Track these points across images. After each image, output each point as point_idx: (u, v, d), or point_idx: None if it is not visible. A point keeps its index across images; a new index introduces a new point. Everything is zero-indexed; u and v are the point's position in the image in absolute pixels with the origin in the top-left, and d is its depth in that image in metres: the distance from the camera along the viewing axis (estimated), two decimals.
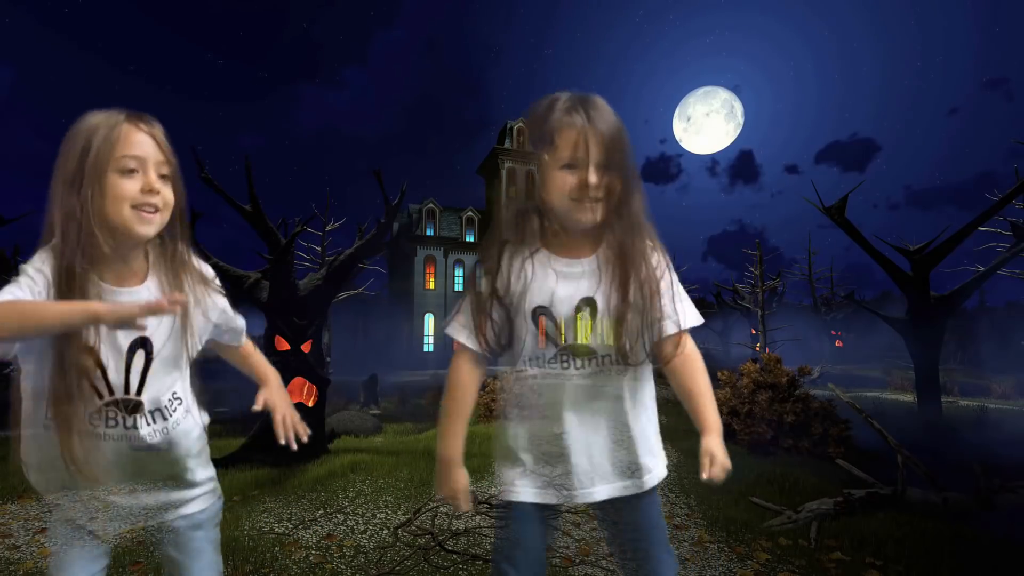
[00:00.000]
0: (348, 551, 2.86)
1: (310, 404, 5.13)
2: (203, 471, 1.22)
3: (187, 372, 1.16)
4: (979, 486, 3.42)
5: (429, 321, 32.75)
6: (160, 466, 1.12)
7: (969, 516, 3.39)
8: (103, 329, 0.98)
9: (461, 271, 33.86)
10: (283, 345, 5.12)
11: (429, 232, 33.25)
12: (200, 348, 1.17)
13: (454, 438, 1.20)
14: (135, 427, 1.05)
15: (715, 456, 1.07)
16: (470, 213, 34.59)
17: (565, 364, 1.10)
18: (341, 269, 5.52)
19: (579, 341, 1.09)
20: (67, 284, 0.94)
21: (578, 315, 1.08)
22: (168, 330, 1.07)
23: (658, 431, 1.25)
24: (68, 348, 0.93)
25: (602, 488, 1.16)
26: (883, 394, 11.51)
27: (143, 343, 1.03)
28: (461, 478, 1.19)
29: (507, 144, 34.12)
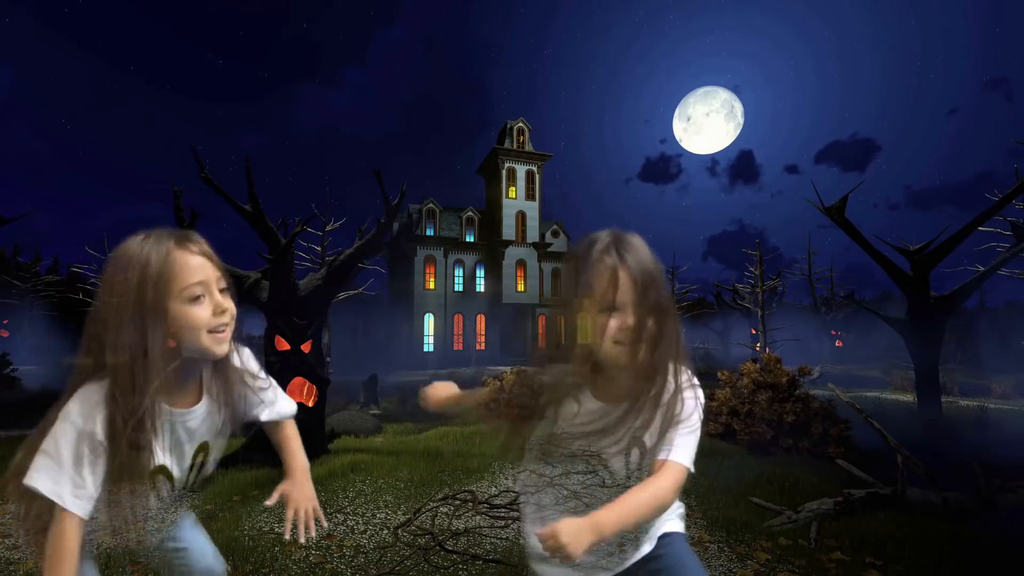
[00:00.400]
0: (348, 551, 2.86)
1: (310, 404, 5.13)
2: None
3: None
4: (979, 486, 3.42)
5: (429, 321, 32.74)
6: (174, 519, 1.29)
7: (969, 516, 3.39)
8: (168, 439, 1.07)
9: (461, 271, 33.87)
10: (283, 345, 5.12)
11: (429, 232, 33.24)
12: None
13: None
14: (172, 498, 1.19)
15: (557, 532, 0.93)
16: (470, 213, 34.59)
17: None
18: (341, 269, 5.52)
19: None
20: (127, 421, 0.95)
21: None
22: (220, 432, 1.17)
23: None
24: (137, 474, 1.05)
25: (631, 549, 1.28)
26: (883, 394, 11.51)
27: (204, 448, 1.14)
28: (450, 386, 1.46)
29: (507, 144, 34.11)
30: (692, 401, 1.12)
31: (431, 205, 33.60)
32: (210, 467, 1.17)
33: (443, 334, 32.34)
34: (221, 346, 1.03)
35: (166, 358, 0.98)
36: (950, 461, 4.70)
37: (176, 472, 1.09)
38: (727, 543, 3.00)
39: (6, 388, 10.46)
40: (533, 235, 34.16)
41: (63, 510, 0.92)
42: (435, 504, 3.56)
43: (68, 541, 0.91)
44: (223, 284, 1.04)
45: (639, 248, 1.07)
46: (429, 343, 32.42)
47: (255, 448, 4.84)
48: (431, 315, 32.76)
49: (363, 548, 2.90)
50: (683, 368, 1.14)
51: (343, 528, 3.20)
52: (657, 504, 1.05)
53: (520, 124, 34.54)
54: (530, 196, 34.47)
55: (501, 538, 3.02)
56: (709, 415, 6.29)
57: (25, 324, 21.70)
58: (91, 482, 0.95)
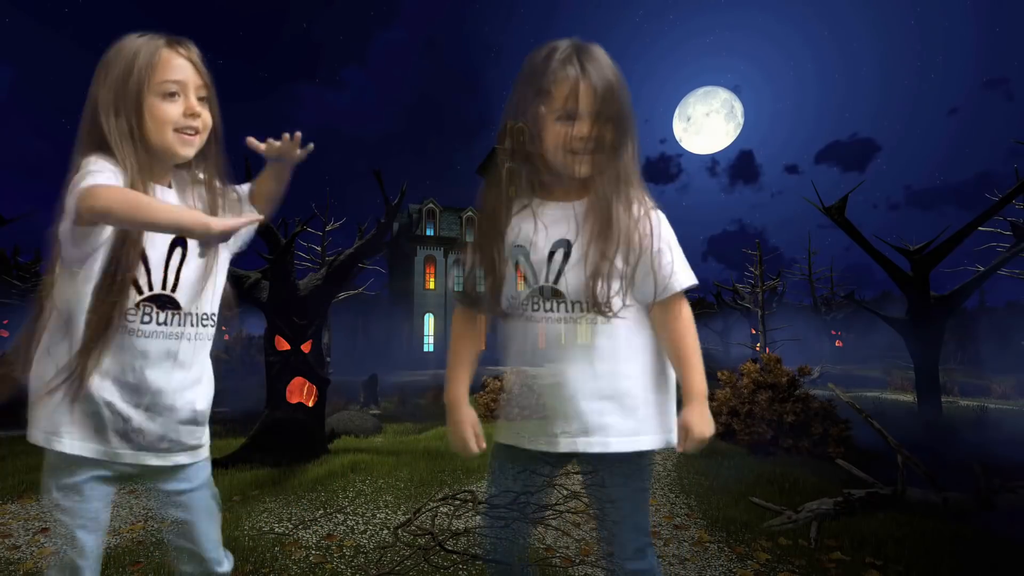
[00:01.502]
0: (348, 551, 2.86)
1: (310, 404, 5.13)
2: (205, 423, 1.21)
3: (218, 299, 1.17)
4: (979, 486, 3.42)
5: (429, 321, 32.74)
6: (179, 382, 1.09)
7: (969, 516, 3.39)
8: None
9: (461, 271, 33.91)
10: (283, 345, 5.12)
11: (429, 232, 33.23)
12: (227, 264, 1.20)
13: (454, 382, 1.22)
14: (167, 324, 1.04)
15: (690, 429, 1.05)
16: (470, 213, 34.57)
17: (536, 306, 1.08)
18: (341, 269, 5.52)
19: (549, 283, 1.07)
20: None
21: (551, 257, 1.07)
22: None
23: (653, 398, 1.16)
24: (123, 241, 0.96)
25: (565, 440, 1.11)
26: (883, 394, 11.51)
27: (181, 242, 1.06)
28: (468, 415, 1.22)
29: (507, 144, 34.12)
30: (653, 222, 1.11)
31: (431, 205, 33.60)
32: (192, 289, 1.07)
33: (443, 334, 32.32)
34: (186, 148, 1.05)
35: (148, 149, 1.03)
36: (950, 461, 4.70)
37: (153, 264, 1.03)
38: (727, 543, 3.00)
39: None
40: None
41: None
42: (435, 504, 3.56)
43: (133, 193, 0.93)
44: (204, 94, 1.07)
45: (600, 58, 1.05)
46: (429, 343, 32.42)
47: (255, 448, 4.84)
48: (431, 315, 32.76)
49: (363, 548, 2.90)
50: (639, 189, 1.11)
51: (343, 528, 3.20)
52: (696, 336, 1.13)
53: (520, 124, 34.53)
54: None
55: (501, 538, 3.02)
56: None
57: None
58: (122, 180, 0.97)
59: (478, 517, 3.32)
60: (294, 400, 5.04)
